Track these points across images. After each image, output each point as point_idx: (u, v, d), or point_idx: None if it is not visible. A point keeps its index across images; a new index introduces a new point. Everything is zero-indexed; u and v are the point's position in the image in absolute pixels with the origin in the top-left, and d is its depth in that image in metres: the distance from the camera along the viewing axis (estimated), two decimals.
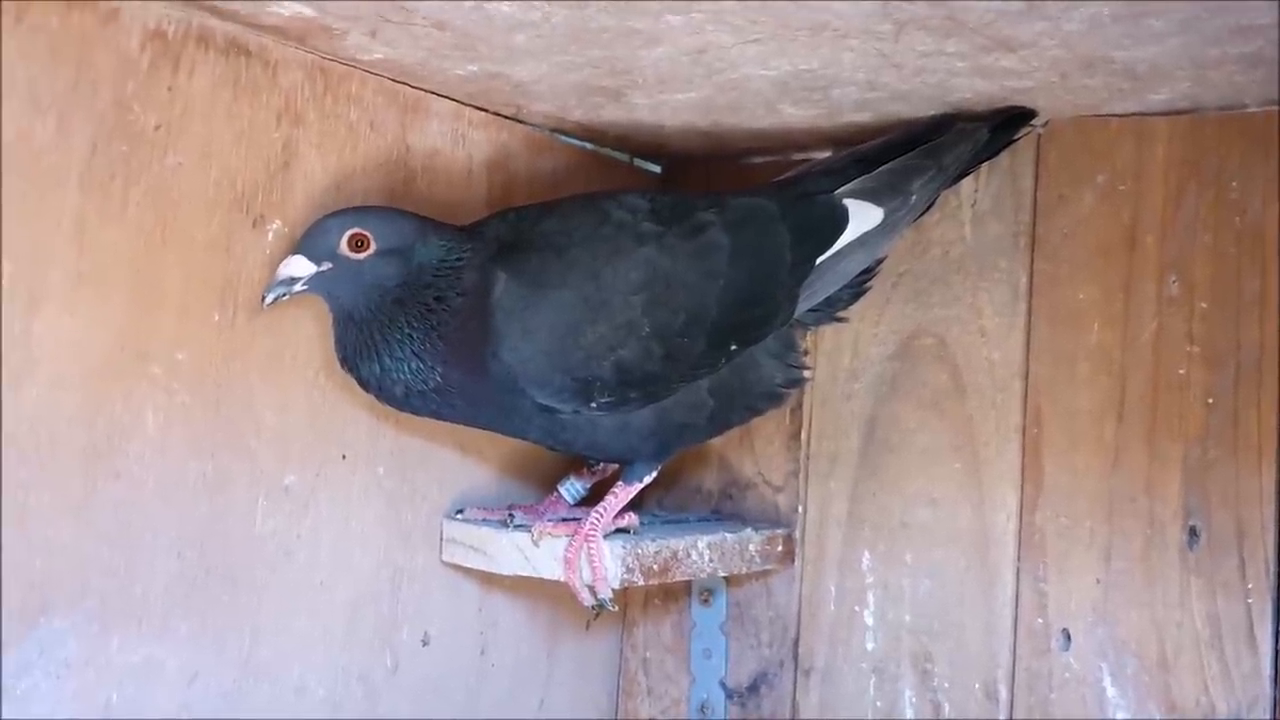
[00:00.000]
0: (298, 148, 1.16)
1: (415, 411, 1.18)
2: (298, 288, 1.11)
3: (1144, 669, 1.26)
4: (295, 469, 1.18)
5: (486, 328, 1.13)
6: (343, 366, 1.16)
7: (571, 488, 1.37)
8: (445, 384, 1.14)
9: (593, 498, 1.31)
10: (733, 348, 1.20)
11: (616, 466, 1.30)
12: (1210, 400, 1.24)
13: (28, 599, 0.98)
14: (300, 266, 1.11)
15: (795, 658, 1.46)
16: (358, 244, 1.12)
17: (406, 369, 1.13)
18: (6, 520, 0.96)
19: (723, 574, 1.40)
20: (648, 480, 1.26)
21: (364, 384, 1.16)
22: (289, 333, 1.17)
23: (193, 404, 1.09)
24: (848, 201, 1.24)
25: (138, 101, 1.03)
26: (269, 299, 1.10)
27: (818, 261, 1.23)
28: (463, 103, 1.31)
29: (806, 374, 1.31)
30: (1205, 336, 1.25)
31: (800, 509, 1.47)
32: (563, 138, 1.45)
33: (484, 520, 1.31)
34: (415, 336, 1.13)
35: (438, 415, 1.19)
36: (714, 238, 1.19)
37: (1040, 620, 1.31)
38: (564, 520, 1.28)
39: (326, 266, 1.12)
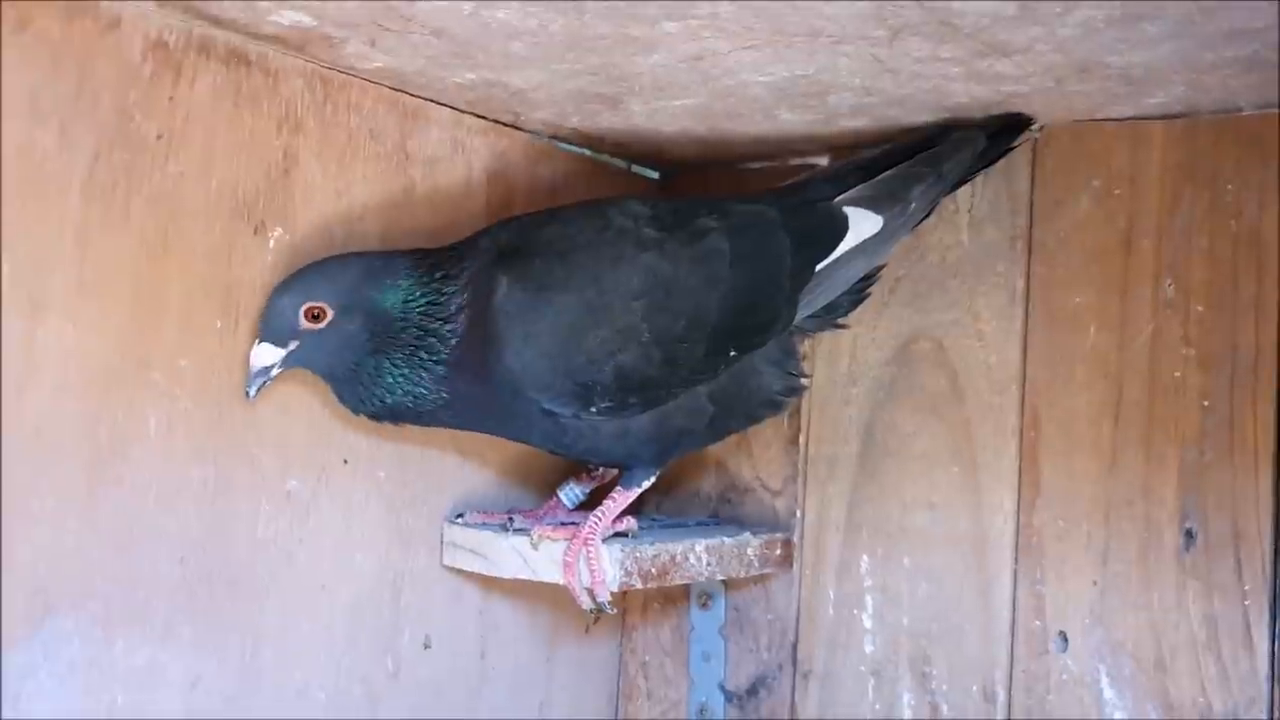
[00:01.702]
0: (298, 156, 1.17)
1: (428, 425, 1.20)
2: (274, 373, 1.12)
3: (1141, 670, 1.26)
4: (297, 474, 1.19)
5: (489, 333, 1.14)
6: (354, 413, 1.18)
7: (571, 492, 1.37)
8: (453, 398, 1.15)
9: (592, 502, 1.32)
10: (732, 353, 1.21)
11: (616, 471, 1.31)
12: (1206, 403, 1.25)
13: (32, 602, 0.99)
14: (268, 354, 1.11)
15: (794, 661, 1.47)
16: (314, 315, 1.12)
17: (410, 399, 1.15)
18: (11, 525, 0.97)
19: (721, 578, 1.40)
20: (646, 485, 1.26)
21: (377, 418, 1.17)
22: None
23: (195, 410, 1.10)
24: (848, 209, 1.25)
25: (139, 110, 1.04)
26: (252, 392, 1.11)
27: (818, 268, 1.24)
28: (462, 110, 1.32)
29: (805, 382, 1.32)
30: (1201, 339, 1.25)
31: (798, 513, 1.47)
32: (561, 144, 1.46)
33: (484, 524, 1.32)
34: (408, 374, 1.14)
35: (450, 425, 1.21)
36: (715, 244, 1.19)
37: (1038, 622, 1.32)
38: (563, 524, 1.29)
39: (294, 345, 1.12)
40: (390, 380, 1.14)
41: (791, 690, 1.47)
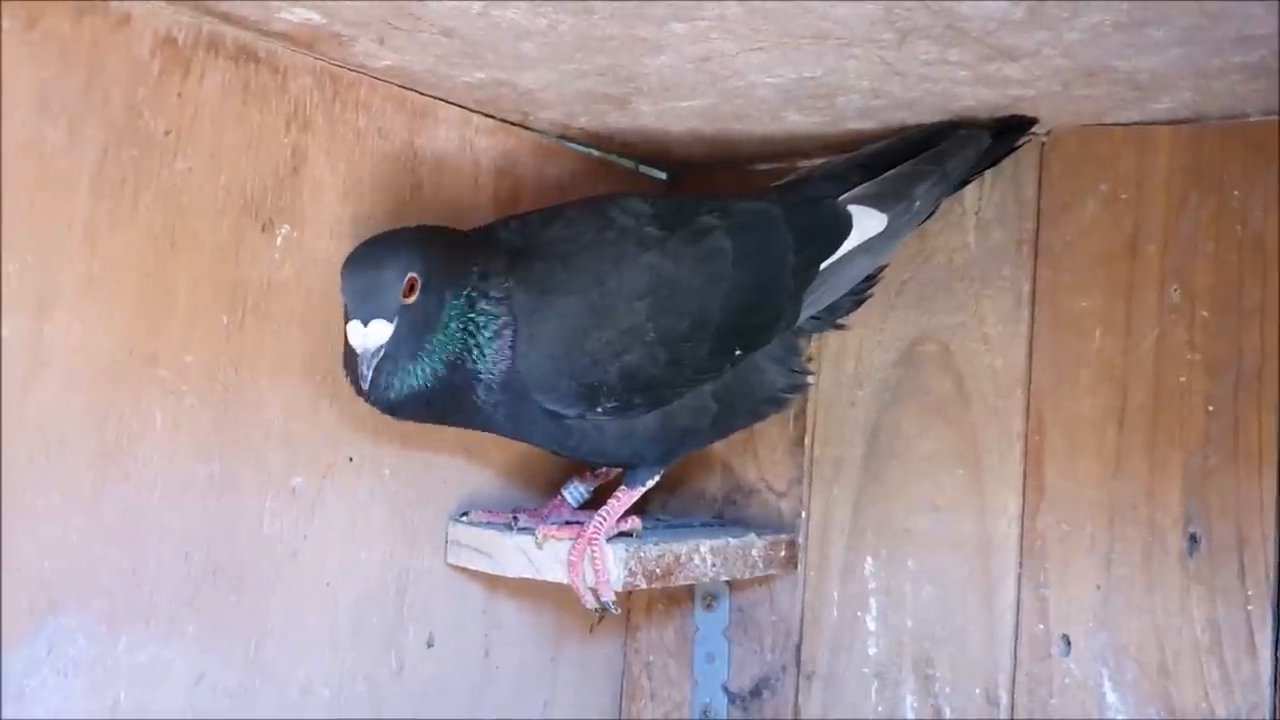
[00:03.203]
0: (307, 153, 1.17)
1: (440, 422, 1.19)
2: (384, 353, 1.08)
3: (1144, 675, 1.26)
4: (302, 471, 1.19)
5: None
6: (367, 400, 1.13)
7: (575, 491, 1.37)
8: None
9: (596, 501, 1.32)
10: (737, 353, 1.21)
11: (620, 470, 1.31)
12: (1211, 408, 1.24)
13: (37, 598, 0.99)
14: (382, 330, 1.07)
15: (798, 662, 1.47)
16: (411, 288, 1.08)
17: (444, 388, 1.12)
18: (15, 521, 0.97)
19: (725, 579, 1.40)
20: (650, 484, 1.26)
21: (395, 409, 1.13)
22: (297, 336, 1.18)
23: (201, 406, 1.10)
24: (851, 207, 1.25)
25: (148, 107, 1.04)
26: (370, 376, 1.07)
27: (821, 267, 1.24)
28: (470, 109, 1.32)
29: (809, 379, 1.32)
30: (1206, 344, 1.25)
31: (803, 515, 1.47)
32: (569, 144, 1.46)
33: (488, 523, 1.32)
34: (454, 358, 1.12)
35: (462, 424, 1.20)
36: (717, 242, 1.19)
37: (1041, 626, 1.32)
38: (567, 523, 1.29)
39: (397, 321, 1.08)
40: (432, 366, 1.10)
41: (795, 692, 1.47)
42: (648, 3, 0.97)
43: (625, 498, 1.25)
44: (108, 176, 1.02)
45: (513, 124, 1.38)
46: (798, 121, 1.31)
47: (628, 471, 1.27)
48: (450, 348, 1.11)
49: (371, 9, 1.02)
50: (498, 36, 1.07)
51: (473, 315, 1.12)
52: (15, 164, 0.96)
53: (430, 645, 1.32)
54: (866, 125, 1.31)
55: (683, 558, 1.30)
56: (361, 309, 1.07)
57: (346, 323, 1.08)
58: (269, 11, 1.04)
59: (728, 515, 1.53)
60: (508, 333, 1.12)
